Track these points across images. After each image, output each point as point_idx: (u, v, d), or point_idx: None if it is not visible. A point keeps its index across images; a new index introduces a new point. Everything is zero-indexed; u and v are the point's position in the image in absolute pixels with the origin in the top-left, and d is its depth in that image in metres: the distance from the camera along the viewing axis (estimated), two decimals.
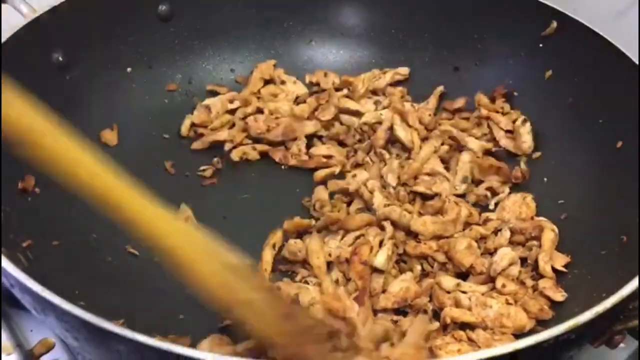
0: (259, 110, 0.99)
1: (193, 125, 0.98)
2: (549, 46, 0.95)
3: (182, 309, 0.75)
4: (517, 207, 0.85)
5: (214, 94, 1.02)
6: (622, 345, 0.76)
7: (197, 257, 0.58)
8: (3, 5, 0.96)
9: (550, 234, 0.79)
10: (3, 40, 0.81)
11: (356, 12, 1.08)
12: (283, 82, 1.04)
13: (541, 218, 0.83)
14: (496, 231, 0.82)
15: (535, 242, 0.79)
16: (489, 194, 0.88)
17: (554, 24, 0.93)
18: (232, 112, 0.99)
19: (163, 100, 1.01)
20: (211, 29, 1.05)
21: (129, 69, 0.98)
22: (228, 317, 0.67)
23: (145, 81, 1.00)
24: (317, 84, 1.04)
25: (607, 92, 0.87)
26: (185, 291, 0.75)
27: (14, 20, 0.87)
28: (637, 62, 0.82)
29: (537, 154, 0.93)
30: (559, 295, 0.74)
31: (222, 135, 0.96)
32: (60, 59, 0.89)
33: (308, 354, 0.59)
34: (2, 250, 0.59)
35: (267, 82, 1.04)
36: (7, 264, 0.56)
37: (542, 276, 0.76)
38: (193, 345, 0.69)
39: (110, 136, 0.93)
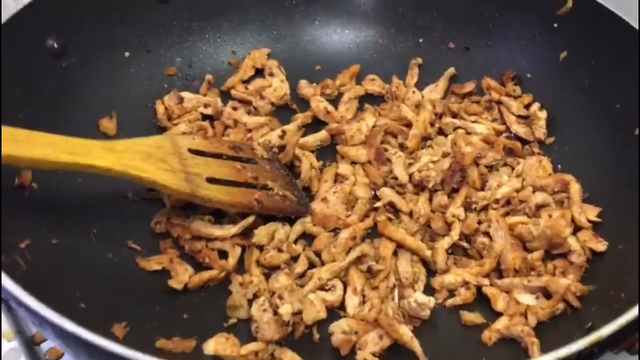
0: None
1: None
2: (565, 26, 0.91)
3: (185, 308, 0.73)
4: (534, 170, 0.83)
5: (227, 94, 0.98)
6: None
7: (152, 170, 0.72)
8: None
9: (575, 185, 0.80)
10: None
11: None
12: (272, 75, 1.00)
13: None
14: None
15: (563, 194, 0.80)
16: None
17: (570, 3, 0.89)
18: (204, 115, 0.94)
19: (162, 85, 0.97)
20: (211, 9, 1.00)
21: (126, 54, 0.95)
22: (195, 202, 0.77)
23: (143, 66, 0.96)
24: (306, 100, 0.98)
25: (625, 76, 0.83)
26: (189, 291, 0.75)
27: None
28: None
29: (551, 139, 0.90)
30: (601, 245, 0.74)
31: (181, 128, 0.91)
32: (55, 45, 0.85)
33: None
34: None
35: (259, 70, 1.00)
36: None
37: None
38: (198, 347, 0.67)
39: (109, 125, 0.90)
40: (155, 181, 0.72)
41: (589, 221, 0.77)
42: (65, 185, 0.79)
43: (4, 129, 0.64)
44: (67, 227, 0.75)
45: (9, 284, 0.52)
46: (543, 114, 0.91)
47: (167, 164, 0.75)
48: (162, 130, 0.93)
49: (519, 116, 0.92)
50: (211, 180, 0.78)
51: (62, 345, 0.54)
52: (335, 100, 0.99)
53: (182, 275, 0.75)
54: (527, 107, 0.93)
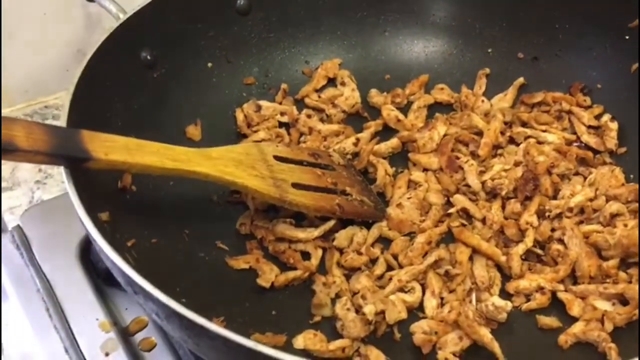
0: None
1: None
2: (636, 38, 0.92)
3: (273, 305, 0.78)
4: (607, 179, 0.85)
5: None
6: None
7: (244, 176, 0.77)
8: (91, 4, 1.00)
9: None
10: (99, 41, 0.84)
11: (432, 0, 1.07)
12: (343, 84, 1.04)
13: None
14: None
15: (637, 204, 0.81)
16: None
17: None
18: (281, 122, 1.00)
19: (241, 94, 1.03)
20: (287, 20, 1.05)
21: (209, 64, 1.00)
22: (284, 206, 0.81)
23: (224, 75, 1.02)
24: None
25: None
26: (275, 289, 0.80)
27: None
28: None
29: (622, 149, 0.92)
30: None
31: (260, 135, 0.97)
32: (148, 57, 0.91)
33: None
34: (118, 254, 0.63)
35: (331, 79, 1.05)
36: (132, 273, 0.59)
37: None
38: (288, 341, 0.72)
39: (194, 131, 0.96)
40: (247, 186, 0.78)
41: None
42: (159, 188, 0.85)
43: (119, 138, 0.70)
44: (163, 228, 0.81)
45: (138, 278, 0.58)
46: (614, 125, 0.92)
47: (256, 170, 0.80)
48: (242, 136, 0.98)
49: (589, 126, 0.94)
50: (295, 186, 0.83)
51: (185, 336, 0.60)
52: (404, 109, 1.02)
53: (269, 274, 0.80)
54: (597, 117, 0.95)
